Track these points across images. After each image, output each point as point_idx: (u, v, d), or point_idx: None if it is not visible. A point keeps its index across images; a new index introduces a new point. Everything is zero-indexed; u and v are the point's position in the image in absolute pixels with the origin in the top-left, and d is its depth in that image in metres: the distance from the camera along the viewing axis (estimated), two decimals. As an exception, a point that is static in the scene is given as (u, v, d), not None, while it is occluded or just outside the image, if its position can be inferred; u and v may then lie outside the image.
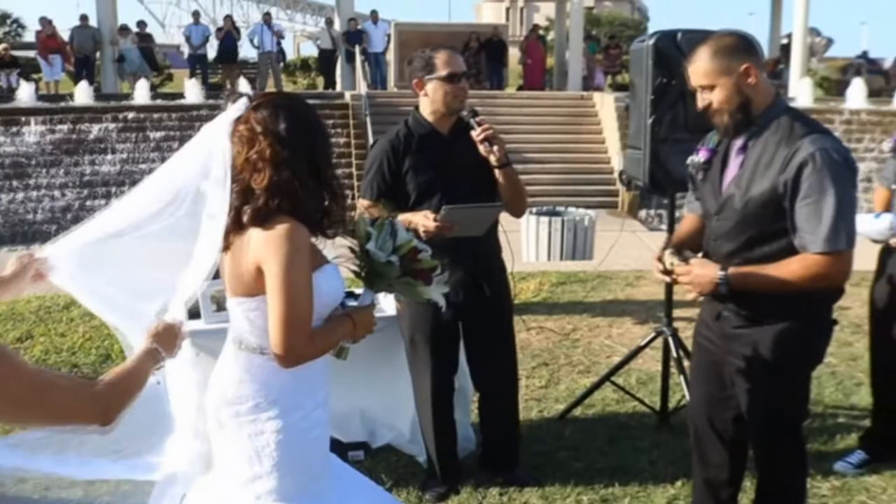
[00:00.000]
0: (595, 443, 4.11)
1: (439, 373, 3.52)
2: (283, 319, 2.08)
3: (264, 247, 2.10)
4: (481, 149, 3.28)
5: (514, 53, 23.42)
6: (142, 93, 15.53)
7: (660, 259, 2.80)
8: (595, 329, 6.04)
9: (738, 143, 2.72)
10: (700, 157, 2.84)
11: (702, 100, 2.67)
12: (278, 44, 20.22)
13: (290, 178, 2.12)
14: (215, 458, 2.35)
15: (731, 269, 2.62)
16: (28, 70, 19.45)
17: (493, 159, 3.29)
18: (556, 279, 7.47)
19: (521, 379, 4.98)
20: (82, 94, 15.28)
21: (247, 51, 23.15)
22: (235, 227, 2.15)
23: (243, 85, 16.60)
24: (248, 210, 2.12)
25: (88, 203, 13.46)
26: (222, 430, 2.28)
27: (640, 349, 4.44)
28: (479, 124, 3.27)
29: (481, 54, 20.95)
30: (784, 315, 2.68)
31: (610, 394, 4.62)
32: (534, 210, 9.25)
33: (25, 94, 15.27)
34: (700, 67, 2.65)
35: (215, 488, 2.35)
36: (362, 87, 17.26)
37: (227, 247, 2.20)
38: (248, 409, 2.22)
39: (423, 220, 3.18)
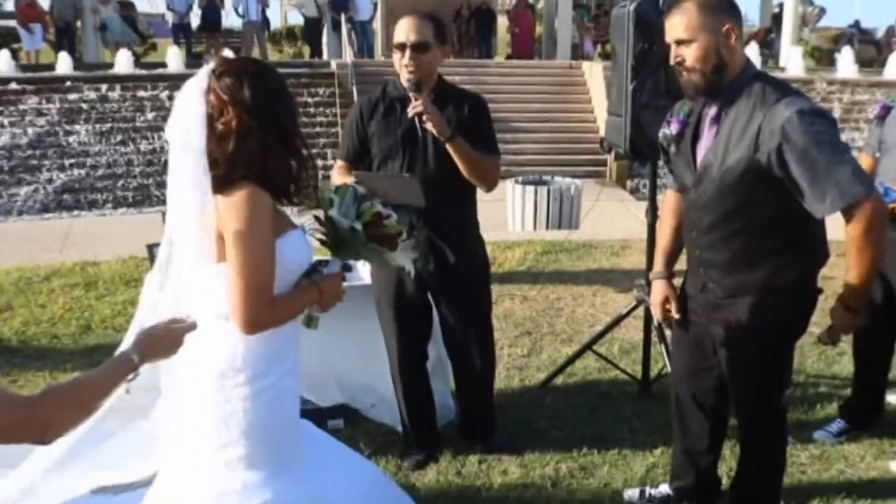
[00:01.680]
0: (576, 411, 4.10)
1: (405, 339, 3.50)
2: (244, 286, 2.06)
3: (225, 213, 2.08)
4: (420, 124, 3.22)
5: (503, 22, 23.20)
6: (123, 61, 15.31)
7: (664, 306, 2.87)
8: (579, 298, 6.01)
9: (712, 112, 2.65)
10: (672, 129, 2.77)
11: (675, 56, 2.59)
12: (263, 12, 19.95)
13: (256, 146, 2.08)
14: (185, 427, 2.32)
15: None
16: (9, 40, 19.16)
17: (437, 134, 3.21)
18: (542, 248, 7.43)
19: (504, 348, 4.98)
20: (63, 63, 15.05)
21: (232, 20, 22.86)
22: None
23: (228, 55, 16.36)
24: (211, 178, 2.09)
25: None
26: (191, 398, 2.26)
27: (621, 318, 4.42)
28: (416, 100, 3.17)
29: (471, 23, 20.77)
30: (770, 285, 2.65)
31: (592, 363, 4.61)
32: (519, 179, 9.22)
33: (4, 63, 15.02)
34: (683, 20, 2.54)
35: (187, 455, 2.33)
36: (349, 56, 17.07)
37: None
38: (215, 376, 2.20)
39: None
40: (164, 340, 1.98)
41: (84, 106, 13.96)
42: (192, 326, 2.03)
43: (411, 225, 3.24)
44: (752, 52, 16.85)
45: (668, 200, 3.02)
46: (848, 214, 2.43)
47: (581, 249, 7.45)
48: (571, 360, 4.49)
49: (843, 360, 4.62)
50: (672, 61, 2.60)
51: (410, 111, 3.17)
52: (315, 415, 3.85)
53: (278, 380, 2.23)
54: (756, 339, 2.70)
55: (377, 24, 20.89)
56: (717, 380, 2.90)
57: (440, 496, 3.38)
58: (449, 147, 3.21)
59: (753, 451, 2.88)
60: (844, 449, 3.68)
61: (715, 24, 2.53)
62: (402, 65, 3.23)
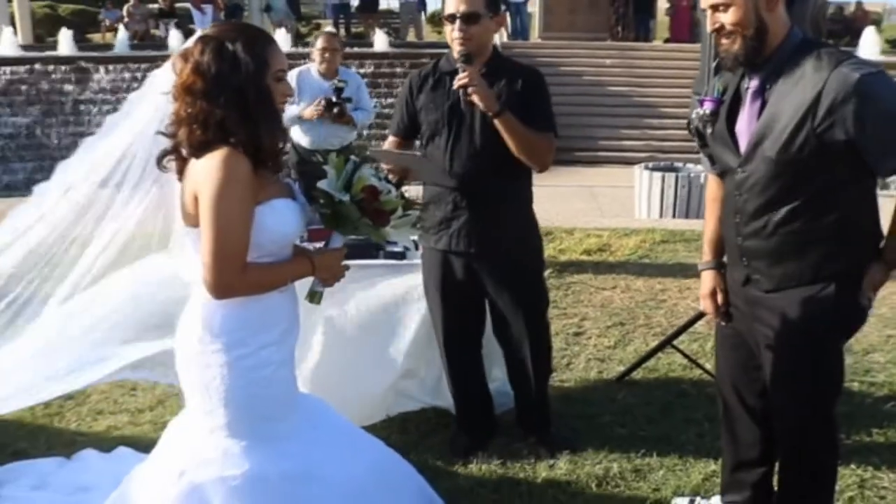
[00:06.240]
0: (647, 409, 3.86)
1: (450, 321, 3.38)
2: (211, 249, 2.03)
3: (200, 175, 2.06)
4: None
5: (663, 5, 22.35)
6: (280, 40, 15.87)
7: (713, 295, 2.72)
8: (685, 291, 5.67)
9: (753, 84, 2.41)
10: (706, 108, 2.54)
11: (712, 22, 2.37)
12: (420, -7, 20.21)
13: (209, 109, 2.04)
14: (184, 388, 2.34)
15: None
16: (186, 20, 20.33)
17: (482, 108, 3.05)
18: (660, 237, 7.08)
19: (591, 338, 4.78)
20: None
21: (391, 0, 23.30)
22: (178, 155, 2.12)
23: (380, 36, 16.67)
24: (183, 140, 2.08)
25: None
26: (180, 361, 2.27)
27: (701, 315, 4.11)
28: (463, 72, 3.01)
29: (629, 5, 20.11)
30: (820, 274, 2.38)
31: (678, 358, 4.32)
32: (649, 165, 8.88)
33: (175, 43, 15.95)
34: None
35: (185, 418, 2.36)
36: (499, 38, 16.94)
37: (179, 178, 2.18)
38: (196, 340, 2.20)
39: None
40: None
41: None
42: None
43: (456, 205, 3.17)
44: (870, 35, 15.33)
45: (710, 187, 2.79)
46: None
47: (701, 240, 7.03)
48: (651, 355, 4.23)
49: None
50: (709, 27, 2.39)
51: (456, 83, 3.03)
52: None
53: (258, 349, 2.19)
54: (805, 338, 2.43)
55: (534, 6, 20.61)
56: (764, 382, 2.62)
57: (479, 485, 3.26)
58: (497, 122, 3.07)
59: (799, 468, 2.59)
60: (940, 476, 3.26)
61: None
62: (449, 35, 3.11)
